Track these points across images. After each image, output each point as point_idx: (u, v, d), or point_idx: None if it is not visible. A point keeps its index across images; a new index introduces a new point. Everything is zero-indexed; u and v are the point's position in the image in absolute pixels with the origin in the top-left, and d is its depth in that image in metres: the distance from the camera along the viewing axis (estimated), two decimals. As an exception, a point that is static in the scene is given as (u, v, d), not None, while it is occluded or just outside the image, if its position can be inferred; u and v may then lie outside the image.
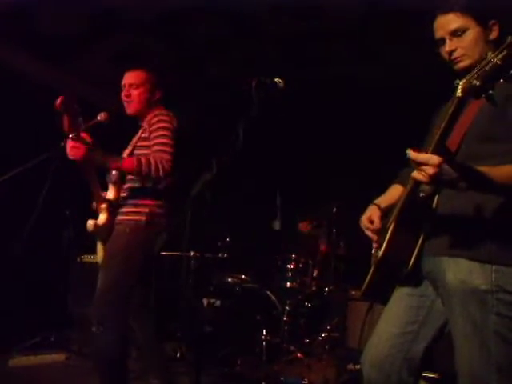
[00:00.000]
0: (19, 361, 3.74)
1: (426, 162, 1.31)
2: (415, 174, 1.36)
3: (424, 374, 3.04)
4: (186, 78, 5.04)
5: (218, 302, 4.37)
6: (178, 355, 4.14)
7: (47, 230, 3.74)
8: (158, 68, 2.80)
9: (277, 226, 5.29)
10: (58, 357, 3.95)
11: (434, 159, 1.30)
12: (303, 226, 5.47)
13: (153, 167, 2.39)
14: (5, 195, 3.26)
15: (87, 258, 4.50)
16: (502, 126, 1.50)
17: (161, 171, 2.41)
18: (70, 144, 2.34)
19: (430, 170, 1.31)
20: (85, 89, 5.13)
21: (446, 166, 1.31)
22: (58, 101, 2.27)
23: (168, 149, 2.50)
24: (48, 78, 4.85)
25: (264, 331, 4.10)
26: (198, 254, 4.31)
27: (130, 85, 2.72)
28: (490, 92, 1.20)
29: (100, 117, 2.66)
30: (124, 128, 2.73)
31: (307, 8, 3.86)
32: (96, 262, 4.37)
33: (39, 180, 2.50)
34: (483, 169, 1.38)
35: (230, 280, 4.55)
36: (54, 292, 4.38)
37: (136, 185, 2.61)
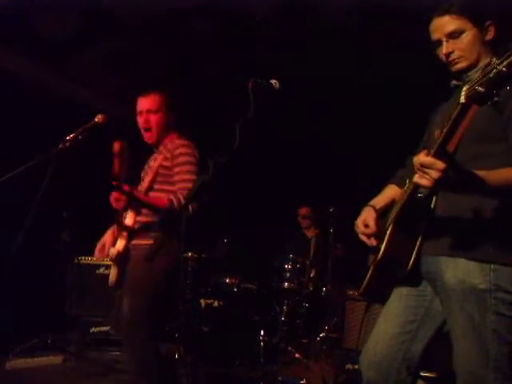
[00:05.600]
0: (17, 363, 3.72)
1: (431, 165, 1.32)
2: (417, 178, 1.37)
3: (422, 374, 3.04)
4: (183, 79, 5.03)
5: (215, 303, 4.37)
6: (176, 356, 4.14)
7: (44, 231, 3.73)
8: (167, 89, 2.77)
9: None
10: (56, 359, 3.93)
11: (439, 164, 1.31)
12: (303, 211, 5.49)
13: (179, 204, 2.45)
14: (2, 196, 3.25)
15: (84, 260, 4.49)
16: (499, 126, 1.51)
17: (177, 205, 2.46)
18: (113, 195, 2.45)
19: (435, 175, 1.32)
20: (81, 90, 5.13)
21: (449, 171, 1.32)
22: (117, 146, 2.32)
23: (191, 185, 2.50)
24: (46, 80, 4.84)
25: (262, 332, 4.11)
26: (195, 255, 4.31)
27: (148, 111, 2.65)
28: (496, 99, 1.18)
29: (97, 119, 2.65)
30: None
31: (307, 8, 3.86)
32: (94, 264, 4.43)
33: (36, 182, 2.49)
34: (481, 173, 1.39)
35: (227, 280, 4.55)
36: (51, 294, 4.37)
37: (149, 216, 2.63)
